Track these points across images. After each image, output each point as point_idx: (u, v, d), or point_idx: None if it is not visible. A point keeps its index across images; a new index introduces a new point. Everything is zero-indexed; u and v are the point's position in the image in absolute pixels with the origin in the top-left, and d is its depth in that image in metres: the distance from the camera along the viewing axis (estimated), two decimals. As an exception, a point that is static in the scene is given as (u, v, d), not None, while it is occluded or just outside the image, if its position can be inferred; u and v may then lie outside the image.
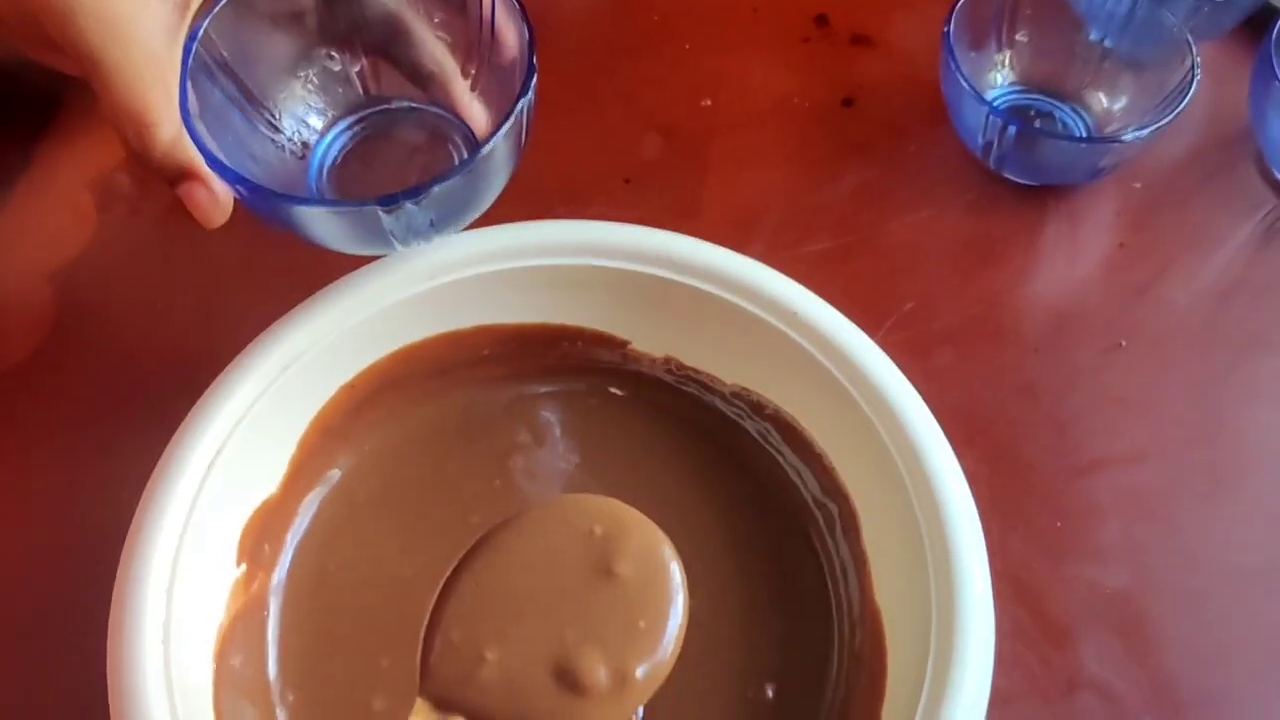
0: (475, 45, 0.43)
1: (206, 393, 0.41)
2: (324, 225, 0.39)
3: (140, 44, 0.37)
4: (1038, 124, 0.54)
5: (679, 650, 0.34)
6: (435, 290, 0.44)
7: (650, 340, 0.46)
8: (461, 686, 0.33)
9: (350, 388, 0.45)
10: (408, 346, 0.45)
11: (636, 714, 0.40)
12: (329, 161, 0.45)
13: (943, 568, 0.38)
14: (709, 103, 0.58)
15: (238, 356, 0.42)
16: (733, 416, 0.46)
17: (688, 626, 0.39)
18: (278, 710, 0.41)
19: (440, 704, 0.33)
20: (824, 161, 0.55)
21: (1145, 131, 0.48)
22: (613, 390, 0.48)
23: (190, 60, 0.38)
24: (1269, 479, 0.47)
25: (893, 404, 0.41)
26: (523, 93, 0.38)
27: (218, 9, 0.39)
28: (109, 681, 0.37)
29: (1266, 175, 0.54)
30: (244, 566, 0.42)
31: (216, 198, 0.39)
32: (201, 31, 0.38)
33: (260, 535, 0.43)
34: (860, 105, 0.57)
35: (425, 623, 0.34)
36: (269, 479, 0.43)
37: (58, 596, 0.44)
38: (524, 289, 0.45)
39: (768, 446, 0.46)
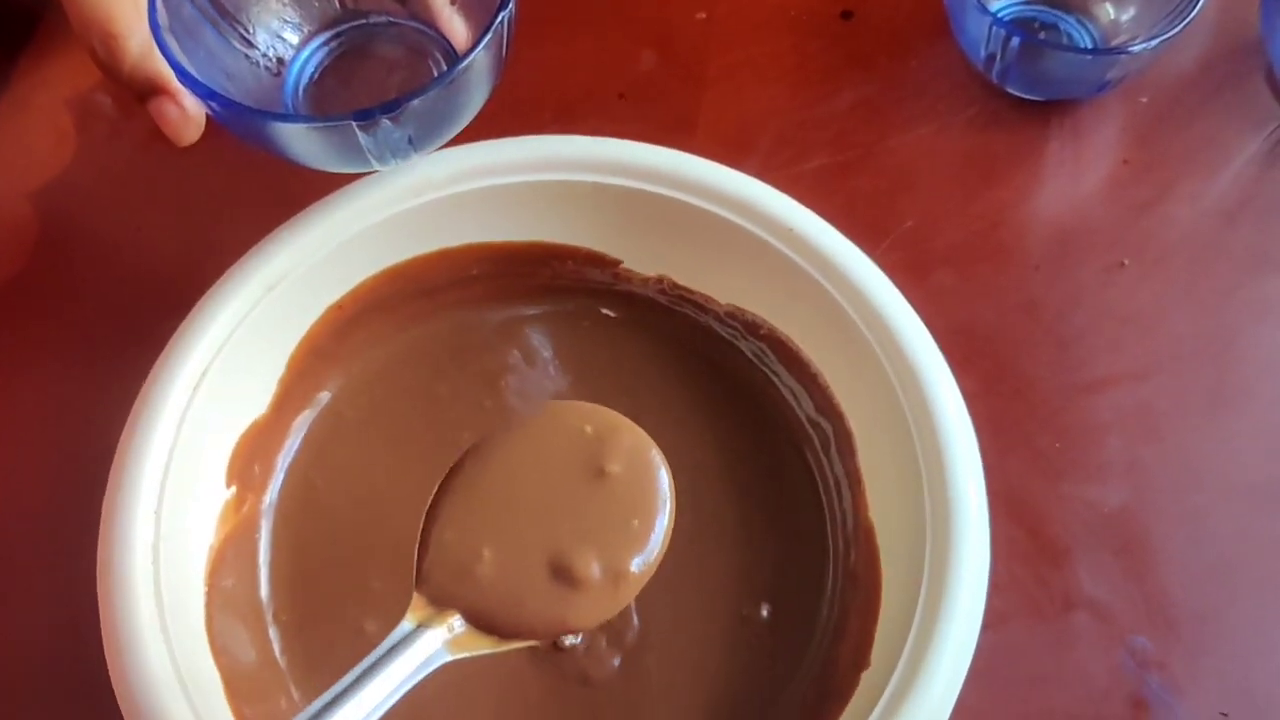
0: None
1: (191, 314, 0.41)
2: (299, 142, 0.38)
3: None
4: (1042, 35, 0.53)
5: (667, 546, 0.35)
6: (423, 208, 0.43)
7: (643, 259, 0.45)
8: (458, 583, 0.34)
9: (338, 308, 0.44)
10: (395, 266, 0.44)
11: (632, 621, 0.40)
12: (305, 78, 0.44)
13: (938, 487, 0.38)
14: (704, 16, 0.56)
15: (222, 277, 0.41)
16: (727, 337, 0.46)
17: (682, 546, 0.39)
18: (270, 631, 0.41)
19: (436, 601, 0.34)
20: (822, 76, 0.54)
21: (1153, 43, 0.47)
22: (605, 311, 0.47)
23: None
24: (1272, 397, 0.46)
25: (889, 323, 0.40)
26: (503, 4, 0.37)
27: None
28: (100, 604, 0.37)
29: (1276, 89, 0.53)
30: (234, 488, 0.42)
31: (187, 114, 0.38)
32: None
33: (250, 457, 0.43)
34: (860, 17, 0.56)
35: (421, 525, 0.35)
36: (258, 400, 0.43)
37: (46, 520, 0.44)
38: (514, 206, 0.44)
39: (763, 367, 0.45)
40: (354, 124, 0.36)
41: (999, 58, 0.49)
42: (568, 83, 0.54)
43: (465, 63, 0.37)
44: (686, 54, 0.55)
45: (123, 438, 0.39)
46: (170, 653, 0.36)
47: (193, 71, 0.36)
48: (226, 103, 0.36)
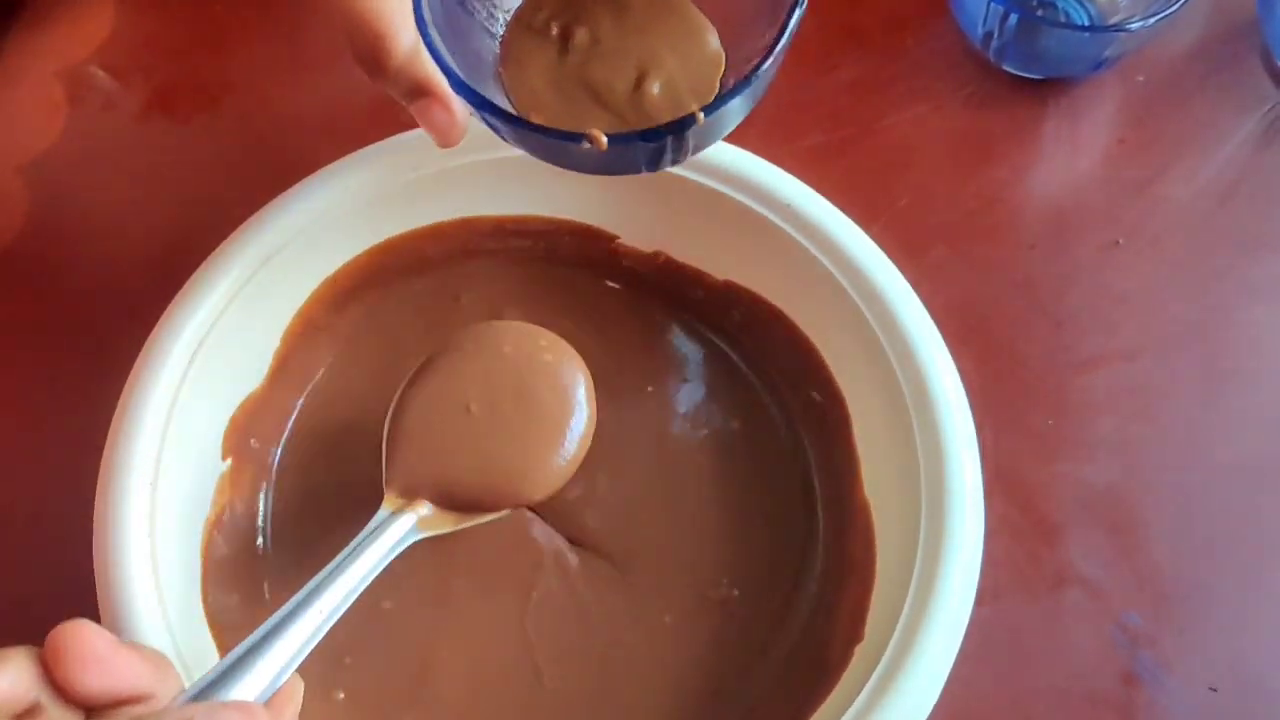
0: None
1: (186, 286, 0.41)
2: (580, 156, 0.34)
3: None
4: (1040, 13, 0.53)
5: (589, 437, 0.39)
6: (419, 181, 0.43)
7: (640, 234, 0.45)
8: (422, 474, 0.37)
9: (333, 281, 0.44)
10: (391, 239, 0.44)
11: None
12: None
13: (934, 463, 0.38)
14: (701, -9, 0.56)
15: (217, 250, 0.41)
16: (722, 312, 0.46)
17: (671, 521, 0.42)
18: (271, 605, 0.41)
19: (405, 492, 0.37)
20: (819, 53, 0.54)
21: (1151, 21, 0.47)
22: (609, 284, 0.47)
23: None
24: (1264, 376, 0.46)
25: (887, 299, 0.40)
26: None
27: None
28: (95, 575, 0.37)
29: (1272, 69, 0.53)
30: (230, 461, 0.42)
31: (455, 118, 0.35)
32: None
33: (246, 430, 0.43)
34: (857, -6, 0.55)
35: (385, 432, 0.38)
36: (253, 373, 0.43)
37: (41, 493, 0.44)
38: (509, 181, 0.44)
39: (757, 342, 0.45)
40: (644, 144, 0.33)
41: (997, 34, 0.49)
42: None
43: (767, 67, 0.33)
44: (683, 30, 0.55)
45: (118, 410, 0.39)
46: (167, 624, 0.36)
47: (464, 77, 0.33)
48: (505, 116, 0.33)
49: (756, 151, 0.43)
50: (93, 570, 0.37)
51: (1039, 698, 0.41)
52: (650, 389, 0.45)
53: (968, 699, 0.40)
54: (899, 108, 0.52)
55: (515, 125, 0.33)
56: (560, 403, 0.39)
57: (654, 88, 0.36)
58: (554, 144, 0.33)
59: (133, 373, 0.39)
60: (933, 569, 0.36)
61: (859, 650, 0.38)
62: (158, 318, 0.40)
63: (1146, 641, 0.42)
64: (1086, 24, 0.52)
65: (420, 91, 0.34)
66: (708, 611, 0.41)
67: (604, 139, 0.33)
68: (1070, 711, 0.41)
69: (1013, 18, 0.48)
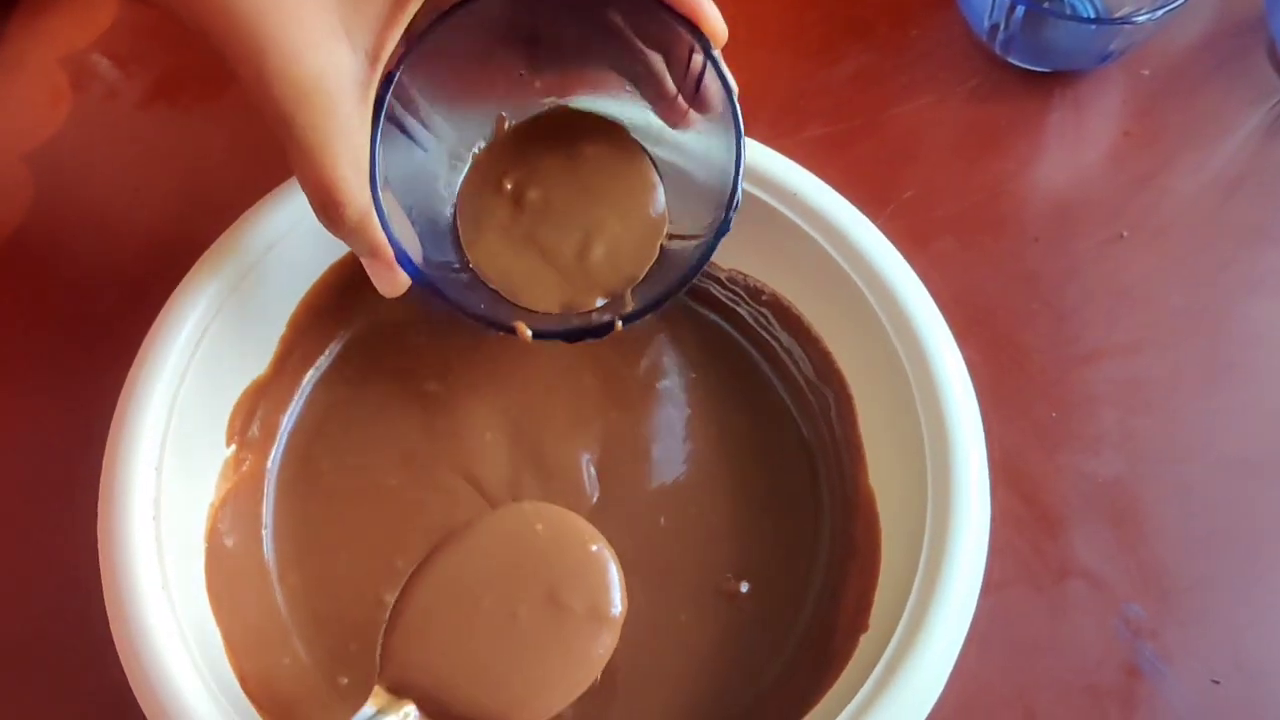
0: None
1: (192, 271, 0.41)
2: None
3: (331, 108, 0.34)
4: (1046, 5, 0.52)
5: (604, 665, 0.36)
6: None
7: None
8: (414, 675, 0.35)
9: (339, 267, 0.44)
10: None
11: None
12: None
13: (939, 453, 0.38)
14: (706, -18, 0.55)
15: (222, 235, 0.41)
16: (728, 301, 0.45)
17: (682, 519, 0.42)
18: (276, 592, 0.42)
19: (393, 689, 0.35)
20: (823, 44, 0.54)
21: (1157, 14, 0.47)
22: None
23: (381, 123, 0.36)
24: (1267, 370, 0.46)
25: (893, 287, 0.40)
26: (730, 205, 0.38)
27: (409, 59, 0.36)
28: (100, 557, 0.37)
29: (1277, 64, 0.53)
30: (234, 447, 0.42)
31: (398, 278, 0.39)
32: (395, 82, 0.36)
33: (249, 416, 0.43)
34: (863, -14, 0.55)
35: (389, 614, 0.36)
36: (258, 359, 0.43)
37: (45, 477, 0.44)
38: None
39: (763, 332, 0.45)
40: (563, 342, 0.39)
41: (1003, 27, 0.49)
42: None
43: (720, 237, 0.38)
44: (687, 21, 0.54)
45: (123, 394, 0.39)
46: (171, 606, 0.36)
47: (411, 253, 0.37)
48: (440, 294, 0.37)
49: (762, 141, 0.43)
50: (97, 554, 0.37)
51: (1042, 689, 0.41)
52: (659, 385, 0.45)
53: (971, 690, 0.40)
54: (904, 99, 0.52)
55: (453, 305, 0.38)
56: (591, 622, 0.35)
57: (598, 252, 0.40)
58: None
59: (138, 357, 0.39)
60: (938, 559, 0.36)
61: (864, 640, 0.38)
62: (163, 303, 0.40)
63: (1149, 633, 0.42)
64: (1092, 17, 0.52)
65: (370, 252, 0.37)
66: (719, 607, 0.41)
67: (529, 334, 0.38)
68: (1072, 703, 0.41)
69: (1019, 10, 0.48)
